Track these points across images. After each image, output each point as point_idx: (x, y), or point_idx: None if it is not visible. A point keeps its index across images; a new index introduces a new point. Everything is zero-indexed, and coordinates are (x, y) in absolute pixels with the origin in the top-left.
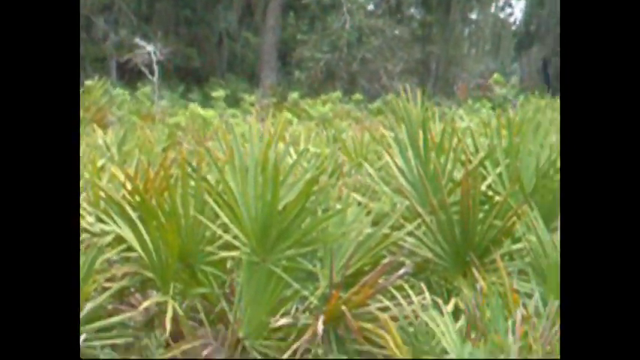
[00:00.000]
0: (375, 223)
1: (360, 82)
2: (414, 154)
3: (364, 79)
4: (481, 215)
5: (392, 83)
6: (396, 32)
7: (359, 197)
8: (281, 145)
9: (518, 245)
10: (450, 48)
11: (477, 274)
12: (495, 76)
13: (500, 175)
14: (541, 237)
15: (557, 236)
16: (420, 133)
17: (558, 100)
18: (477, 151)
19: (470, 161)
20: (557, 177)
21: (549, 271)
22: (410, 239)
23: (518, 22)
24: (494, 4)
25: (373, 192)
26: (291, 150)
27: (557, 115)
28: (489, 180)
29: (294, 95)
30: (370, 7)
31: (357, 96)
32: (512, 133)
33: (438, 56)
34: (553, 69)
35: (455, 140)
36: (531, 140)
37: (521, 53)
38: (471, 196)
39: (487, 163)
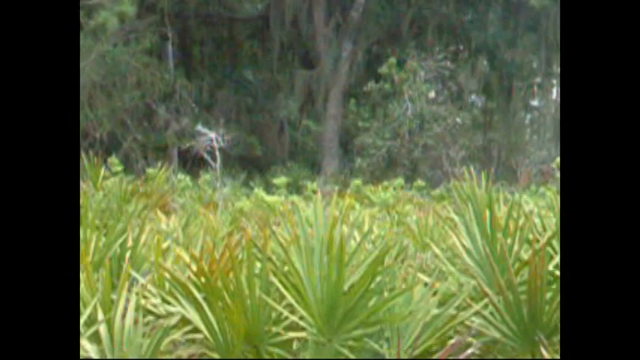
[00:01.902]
0: (441, 304)
1: (421, 169)
2: (481, 233)
3: (426, 165)
4: (549, 295)
5: (454, 170)
6: (458, 119)
7: (425, 277)
8: (345, 228)
9: None
10: (511, 135)
11: (545, 354)
12: (557, 159)
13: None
14: None
15: None
16: (487, 212)
17: None
18: (544, 230)
19: (537, 240)
20: None
21: None
22: (477, 319)
23: None
24: (555, 91)
25: (439, 272)
26: (355, 232)
27: None
28: (557, 260)
29: (356, 182)
30: (432, 94)
31: (419, 182)
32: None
33: (500, 143)
34: None
35: (521, 220)
36: None
37: None
38: (538, 275)
39: (554, 242)
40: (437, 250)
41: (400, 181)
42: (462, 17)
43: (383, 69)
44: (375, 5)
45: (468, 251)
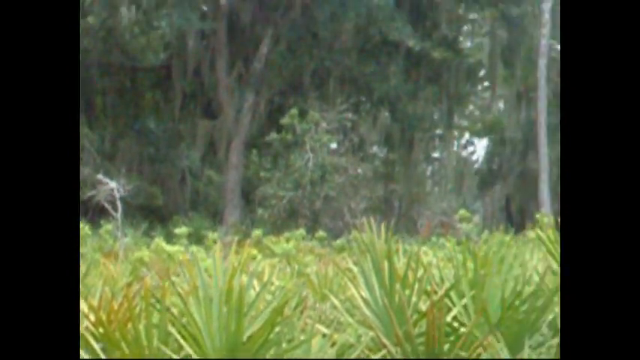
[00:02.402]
0: (340, 355)
1: (323, 219)
2: (379, 285)
3: (327, 216)
4: (447, 346)
5: (355, 221)
6: (359, 170)
7: (323, 328)
8: (244, 278)
9: None
10: (412, 186)
11: None
12: (461, 211)
13: (465, 306)
14: None
15: None
16: (385, 264)
17: (521, 237)
18: (442, 282)
19: (435, 292)
20: (523, 308)
21: None
22: None
23: (480, 161)
24: (456, 143)
25: (338, 323)
26: (255, 282)
27: (521, 250)
28: (455, 311)
29: (257, 232)
30: (333, 145)
31: (321, 233)
32: (477, 266)
33: (401, 194)
34: (516, 207)
35: (420, 272)
36: (496, 272)
37: (484, 191)
38: (436, 327)
39: (452, 294)
40: (335, 301)
41: (302, 231)
42: (364, 69)
43: (285, 119)
44: (277, 56)
45: (366, 302)
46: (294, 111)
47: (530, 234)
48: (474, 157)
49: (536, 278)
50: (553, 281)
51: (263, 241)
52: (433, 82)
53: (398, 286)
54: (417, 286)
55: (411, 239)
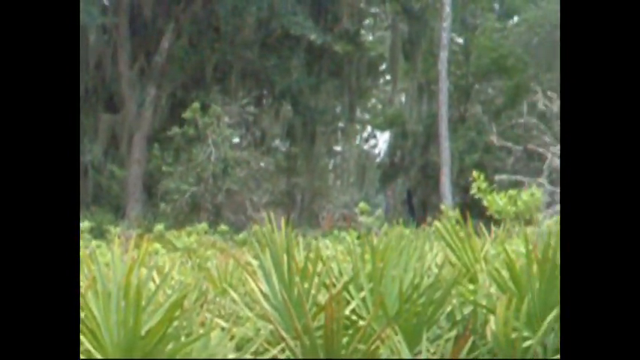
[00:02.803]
0: (239, 349)
1: (225, 213)
2: (278, 279)
3: (230, 210)
4: (345, 339)
5: (257, 215)
6: (262, 164)
7: (222, 322)
8: (144, 272)
9: None
10: (315, 180)
11: None
12: (361, 205)
13: (364, 299)
14: None
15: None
16: (284, 258)
17: (422, 230)
18: (341, 275)
19: (334, 285)
20: (421, 301)
21: None
22: None
23: (382, 154)
24: (358, 136)
25: (237, 317)
26: (155, 276)
27: (421, 243)
28: (353, 304)
29: (159, 227)
30: (236, 139)
31: (223, 227)
32: (376, 259)
33: (304, 188)
34: (418, 200)
35: (320, 265)
36: (394, 265)
37: (386, 185)
38: (334, 320)
39: (351, 287)
40: (234, 295)
41: (204, 225)
42: (266, 62)
43: (187, 113)
44: (179, 50)
45: (265, 296)
46: (196, 105)
47: (431, 227)
48: (376, 151)
49: (436, 271)
50: (451, 273)
51: (165, 235)
52: (335, 76)
53: (297, 279)
54: (315, 279)
55: (313, 232)
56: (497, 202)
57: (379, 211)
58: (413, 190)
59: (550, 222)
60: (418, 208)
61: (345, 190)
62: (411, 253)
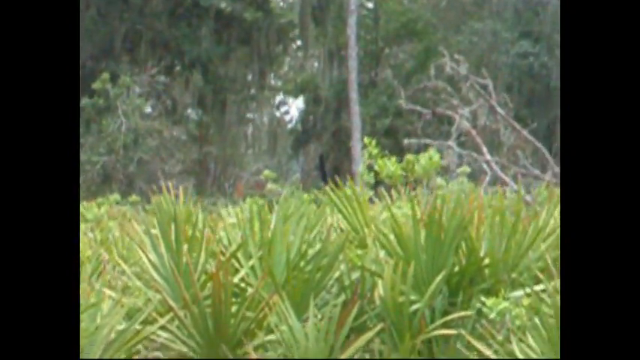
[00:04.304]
0: (129, 318)
1: (138, 183)
2: (166, 248)
3: (142, 180)
4: (235, 308)
5: (169, 184)
6: (174, 133)
7: (112, 293)
8: None
9: (272, 336)
10: (227, 148)
11: None
12: (266, 172)
13: (253, 267)
14: (292, 327)
15: (308, 325)
16: (172, 227)
17: (330, 195)
18: (230, 244)
19: (223, 254)
20: (308, 268)
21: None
22: (164, 334)
23: (294, 120)
24: (270, 103)
25: (126, 287)
26: None
27: (321, 210)
28: (242, 273)
29: None
30: (147, 109)
31: (134, 197)
32: (266, 227)
33: (216, 156)
34: (330, 166)
35: (207, 233)
36: (283, 234)
37: (299, 151)
38: (222, 288)
39: (241, 256)
40: (124, 266)
41: (115, 196)
42: (175, 32)
43: (96, 84)
44: (88, 21)
45: (154, 266)
46: (105, 75)
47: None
48: (288, 117)
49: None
50: (339, 239)
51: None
52: (245, 44)
53: (185, 248)
54: (203, 248)
55: (225, 201)
56: (388, 167)
57: (295, 177)
58: (326, 155)
59: (441, 181)
60: (331, 173)
61: (257, 157)
62: (305, 221)
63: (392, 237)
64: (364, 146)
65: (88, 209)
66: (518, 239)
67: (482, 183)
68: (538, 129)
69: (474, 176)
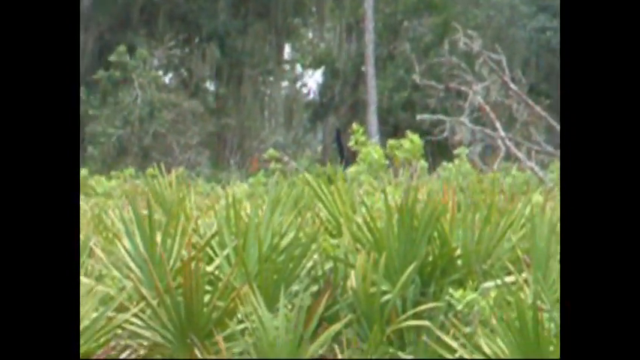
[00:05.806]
0: (101, 305)
1: (154, 156)
2: (141, 235)
3: (158, 153)
4: (208, 297)
5: (185, 157)
6: (190, 106)
7: (85, 280)
8: None
9: (242, 326)
10: (244, 120)
11: (199, 355)
12: (270, 151)
13: (227, 257)
14: (262, 317)
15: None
16: (146, 214)
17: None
18: (204, 232)
19: (194, 246)
20: (280, 259)
21: (270, 350)
22: (137, 322)
23: (312, 94)
24: (287, 76)
25: (101, 275)
26: None
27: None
28: (217, 262)
29: (83, 171)
30: (164, 81)
31: (150, 171)
32: (238, 216)
33: (233, 129)
34: (347, 139)
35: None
36: (257, 225)
37: (317, 124)
38: (194, 277)
39: (214, 243)
40: (100, 253)
41: (131, 170)
42: (192, 5)
43: (113, 57)
44: None
45: (128, 253)
46: (122, 48)
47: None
48: (305, 90)
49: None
50: (313, 227)
51: (89, 180)
52: (262, 17)
53: (159, 237)
54: (178, 236)
55: (240, 174)
56: (372, 154)
57: (306, 153)
58: (343, 129)
59: (422, 164)
60: (347, 148)
61: (275, 130)
62: (280, 208)
63: (364, 227)
64: (352, 132)
65: (99, 183)
66: (491, 230)
67: (495, 160)
68: (555, 105)
69: (487, 153)
